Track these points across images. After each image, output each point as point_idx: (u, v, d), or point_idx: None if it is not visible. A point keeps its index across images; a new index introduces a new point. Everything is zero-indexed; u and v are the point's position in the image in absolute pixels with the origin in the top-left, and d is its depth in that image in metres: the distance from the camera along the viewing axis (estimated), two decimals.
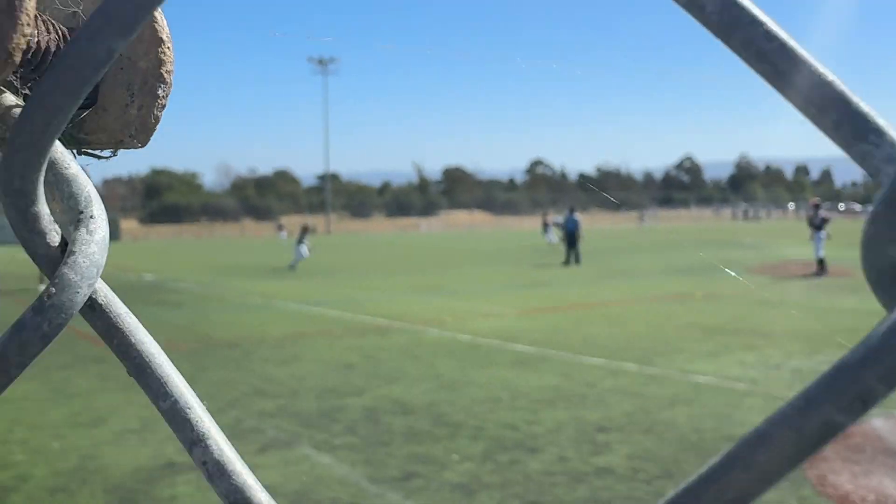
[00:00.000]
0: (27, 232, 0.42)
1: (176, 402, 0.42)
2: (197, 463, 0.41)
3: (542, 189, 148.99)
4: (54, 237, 0.42)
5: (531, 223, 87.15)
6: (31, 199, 0.40)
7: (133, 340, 0.43)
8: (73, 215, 0.43)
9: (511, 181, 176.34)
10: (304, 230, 28.28)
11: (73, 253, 0.41)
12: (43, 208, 0.41)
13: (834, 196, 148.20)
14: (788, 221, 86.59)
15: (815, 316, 13.26)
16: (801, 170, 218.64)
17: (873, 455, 5.95)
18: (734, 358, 9.80)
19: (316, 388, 8.47)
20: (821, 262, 20.52)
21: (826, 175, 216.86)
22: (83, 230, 0.42)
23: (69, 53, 0.36)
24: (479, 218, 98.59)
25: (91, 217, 0.43)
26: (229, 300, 17.29)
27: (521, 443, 6.40)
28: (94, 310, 0.43)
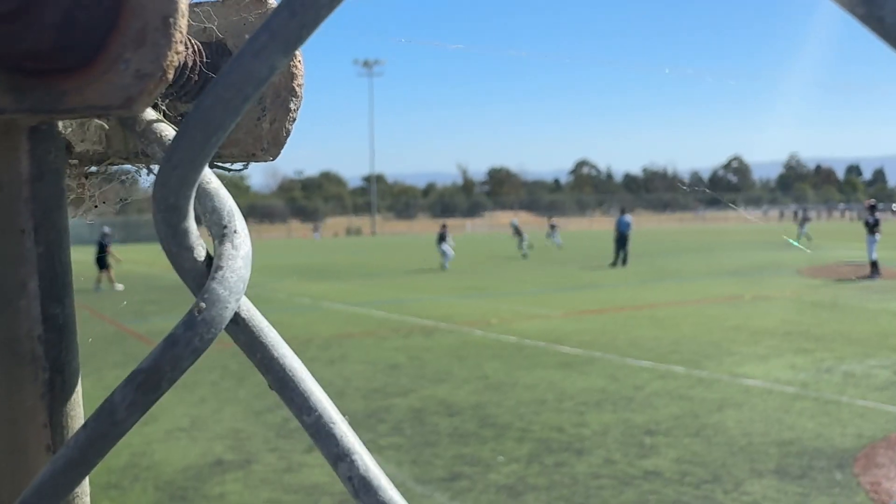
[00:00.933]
0: (176, 247, 0.42)
1: (320, 416, 0.42)
2: (342, 478, 0.41)
3: (587, 189, 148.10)
4: (200, 252, 0.42)
5: (577, 224, 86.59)
6: (183, 215, 0.41)
7: (276, 355, 0.43)
8: (216, 230, 0.43)
9: (556, 182, 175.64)
10: (444, 229, 27.76)
11: (220, 268, 0.41)
12: (192, 224, 0.42)
13: (887, 196, 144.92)
14: (840, 223, 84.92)
15: (867, 319, 12.98)
16: (853, 169, 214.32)
17: None
18: (784, 361, 9.64)
19: (362, 389, 8.51)
20: (874, 264, 20.08)
21: (879, 174, 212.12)
22: (228, 245, 0.42)
23: (232, 70, 0.35)
24: (523, 219, 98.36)
25: (235, 232, 0.43)
26: (277, 301, 17.46)
27: (567, 445, 6.37)
28: (237, 324, 0.43)
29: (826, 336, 11.34)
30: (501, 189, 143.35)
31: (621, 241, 26.24)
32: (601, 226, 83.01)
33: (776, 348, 10.46)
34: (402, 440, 6.55)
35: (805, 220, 40.74)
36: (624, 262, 25.95)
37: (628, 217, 27.22)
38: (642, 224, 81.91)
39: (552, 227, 41.99)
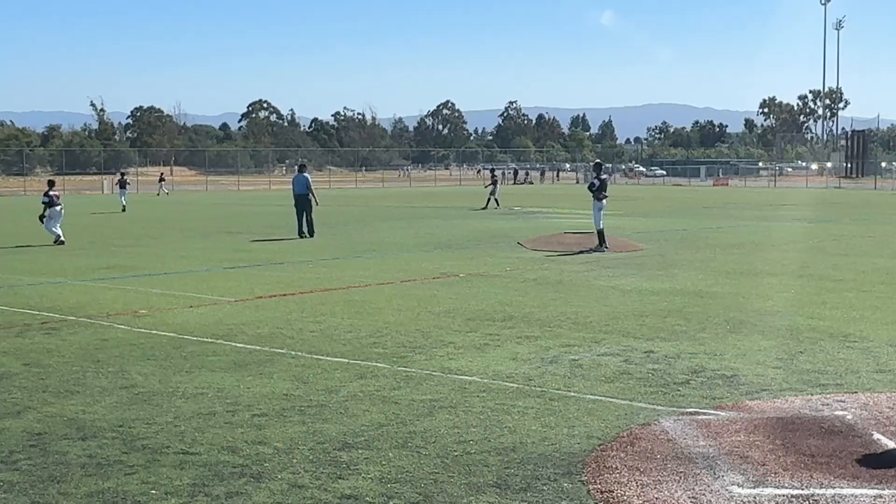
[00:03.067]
0: None
1: None
2: None
3: (265, 139, 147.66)
4: None
5: (253, 182, 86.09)
6: None
7: None
8: None
9: (224, 128, 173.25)
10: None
11: None
12: None
13: (616, 154, 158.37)
14: (565, 184, 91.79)
15: (595, 298, 14.16)
16: (579, 121, 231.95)
17: (663, 462, 6.46)
18: (505, 351, 10.25)
19: None
20: (601, 234, 21.93)
21: (608, 128, 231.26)
22: None
23: None
24: (182, 177, 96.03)
25: None
26: None
27: (242, 469, 6.32)
28: None
29: (551, 320, 12.22)
30: (151, 136, 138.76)
31: (302, 205, 26.55)
32: (285, 186, 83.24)
33: (495, 336, 11.10)
34: (15, 476, 6.16)
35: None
36: (311, 232, 26.23)
37: (307, 175, 27.59)
38: (334, 184, 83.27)
39: (161, 179, 42.18)
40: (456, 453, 6.67)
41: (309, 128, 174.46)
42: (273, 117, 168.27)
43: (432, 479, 6.14)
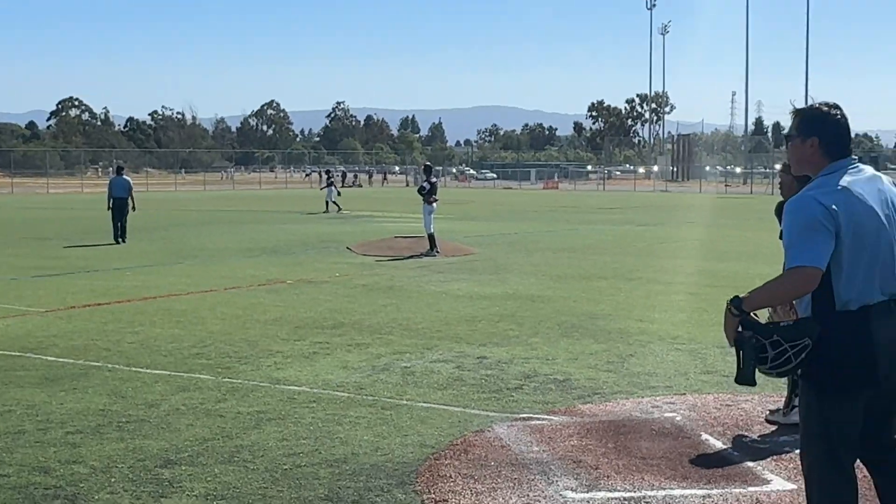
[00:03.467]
0: None
1: None
2: None
3: (77, 139, 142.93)
4: None
5: (64, 185, 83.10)
6: None
7: None
8: None
9: (31, 126, 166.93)
10: None
11: None
12: None
13: (446, 157, 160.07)
14: (396, 188, 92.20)
15: (426, 304, 14.28)
16: (409, 123, 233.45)
17: (497, 468, 6.57)
18: (335, 360, 10.23)
19: None
20: (432, 238, 22.13)
21: (437, 129, 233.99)
22: None
23: None
24: None
25: None
26: None
27: (56, 490, 6.11)
28: None
29: (383, 327, 12.26)
30: None
31: (119, 209, 26.03)
32: (98, 189, 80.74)
33: (325, 345, 11.06)
34: None
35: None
36: (123, 237, 25.66)
37: (126, 178, 27.08)
38: (152, 187, 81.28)
39: None
40: (285, 467, 6.62)
41: (124, 127, 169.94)
42: (85, 116, 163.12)
43: (260, 494, 6.08)
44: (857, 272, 4.13)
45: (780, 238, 7.79)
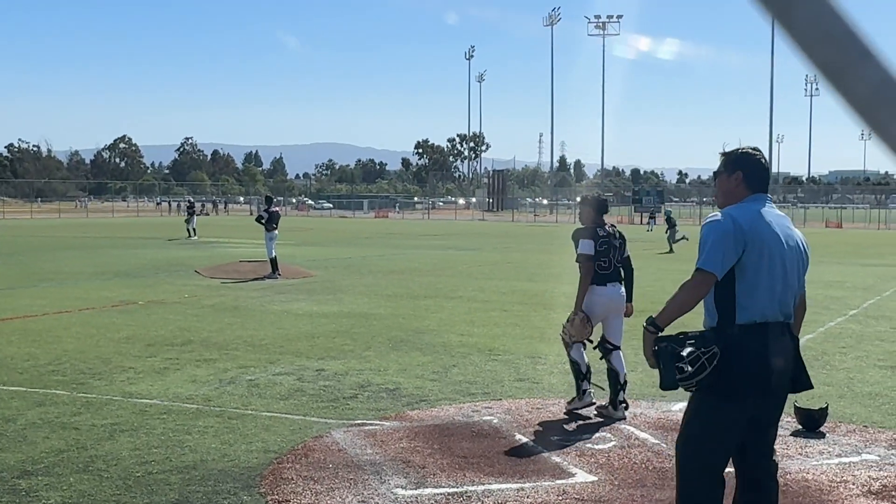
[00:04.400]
0: None
1: None
2: None
3: None
4: None
5: None
6: None
7: None
8: None
9: None
10: None
11: None
12: None
13: (287, 189, 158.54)
14: (239, 216, 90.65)
15: (270, 322, 14.09)
16: (252, 157, 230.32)
17: (335, 470, 6.53)
18: (184, 374, 9.97)
19: None
20: (274, 262, 21.87)
21: (279, 163, 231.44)
22: None
23: None
24: None
25: None
26: None
27: None
28: None
29: (229, 343, 12.02)
30: None
31: None
32: None
33: (175, 360, 10.77)
34: None
35: (192, 212, 44.34)
36: None
37: None
38: (8, 215, 77.52)
39: None
40: (138, 474, 6.41)
41: None
42: None
43: (115, 500, 5.87)
44: (759, 289, 4.23)
45: (576, 261, 8.35)
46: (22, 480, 6.25)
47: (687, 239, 35.78)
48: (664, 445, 7.26)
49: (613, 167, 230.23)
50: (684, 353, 4.19)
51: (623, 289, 8.46)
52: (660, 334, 4.30)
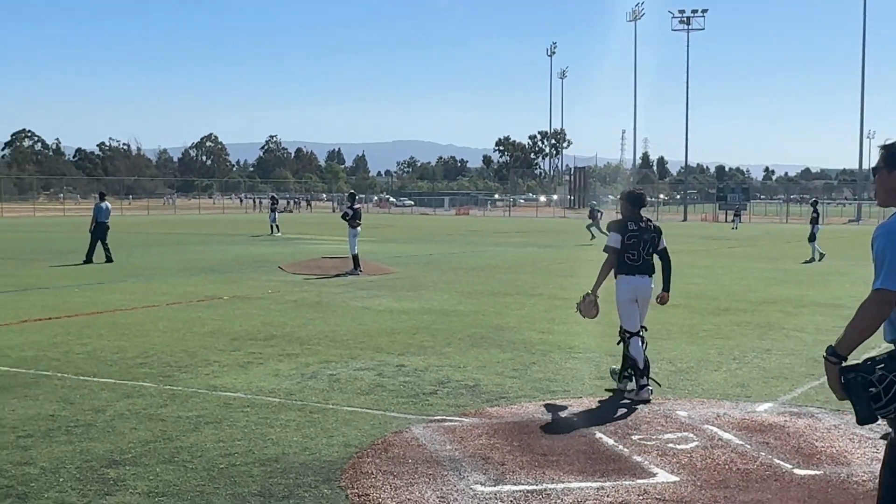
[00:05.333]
0: None
1: None
2: None
3: (30, 168, 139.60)
4: None
5: (18, 210, 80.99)
6: None
7: None
8: None
9: None
10: None
11: None
12: None
13: (368, 186, 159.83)
14: (322, 213, 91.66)
15: (351, 318, 14.21)
16: (335, 155, 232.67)
17: (415, 465, 6.55)
18: (267, 368, 10.11)
19: None
20: (356, 258, 22.05)
21: (361, 161, 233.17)
22: None
23: None
24: None
25: None
26: None
27: (8, 490, 5.93)
28: None
29: (311, 338, 12.16)
30: None
31: (102, 232, 25.58)
32: (50, 213, 78.84)
33: (258, 354, 10.93)
34: None
35: (274, 208, 45.18)
36: (108, 257, 25.13)
37: (107, 203, 26.72)
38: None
39: None
40: (221, 466, 6.52)
41: (74, 157, 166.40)
42: (38, 146, 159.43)
43: (198, 491, 5.97)
44: None
45: (604, 250, 8.83)
46: (110, 470, 6.40)
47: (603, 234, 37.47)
48: (748, 447, 7.12)
49: (697, 164, 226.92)
50: (875, 379, 3.75)
51: (651, 280, 9.02)
52: (844, 364, 3.83)
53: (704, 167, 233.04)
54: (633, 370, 8.81)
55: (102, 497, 5.82)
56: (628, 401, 8.68)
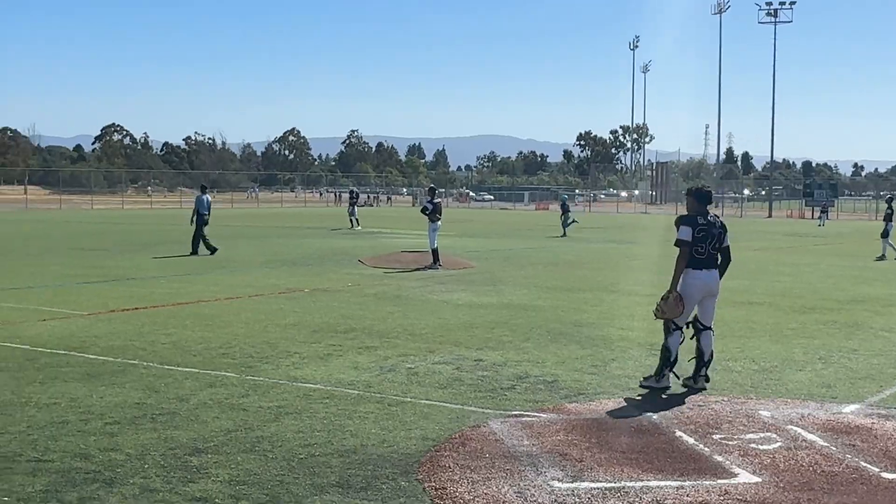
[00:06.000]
0: None
1: None
2: None
3: (119, 161, 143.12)
4: None
5: (108, 202, 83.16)
6: None
7: None
8: None
9: (78, 149, 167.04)
10: None
11: None
12: None
13: (448, 181, 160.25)
14: (402, 207, 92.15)
15: (430, 311, 14.26)
16: (415, 150, 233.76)
17: (492, 460, 6.54)
18: (346, 361, 10.21)
19: None
20: (434, 252, 22.12)
21: (440, 155, 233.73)
22: None
23: None
24: (36, 195, 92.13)
25: None
26: None
27: (95, 475, 6.09)
28: None
29: (390, 331, 12.24)
30: (4, 157, 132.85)
31: (200, 223, 26.02)
32: (137, 206, 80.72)
33: (338, 347, 11.05)
34: None
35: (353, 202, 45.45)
36: (210, 249, 25.59)
37: (208, 196, 27.29)
38: (185, 204, 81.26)
39: None
40: (301, 456, 6.60)
41: (161, 151, 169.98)
42: (126, 140, 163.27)
43: (278, 480, 6.06)
44: None
45: (675, 244, 8.66)
46: (193, 458, 6.53)
47: (577, 221, 42.07)
48: (834, 448, 6.96)
49: (784, 159, 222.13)
50: None
51: (718, 274, 9.13)
52: None
53: (791, 162, 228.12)
54: (662, 360, 9.04)
55: (185, 484, 5.95)
56: (699, 396, 8.56)
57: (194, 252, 25.38)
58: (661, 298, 9.13)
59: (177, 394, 8.51)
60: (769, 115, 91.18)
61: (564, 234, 38.80)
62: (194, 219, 26.33)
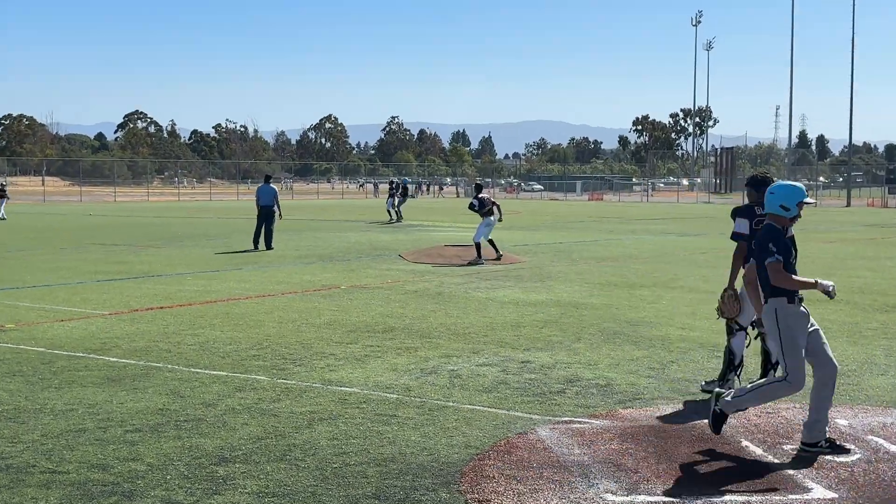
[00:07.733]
0: None
1: None
2: None
3: (144, 150, 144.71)
4: None
5: (132, 194, 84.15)
6: None
7: None
8: None
9: (100, 138, 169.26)
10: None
11: None
12: None
13: (495, 170, 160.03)
14: (447, 199, 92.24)
15: (474, 310, 14.22)
16: (460, 137, 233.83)
17: (540, 470, 6.48)
18: (385, 363, 10.20)
19: None
20: (478, 247, 22.09)
21: (487, 143, 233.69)
22: None
23: None
24: (55, 187, 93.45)
25: None
26: None
27: (113, 487, 6.11)
28: None
29: (431, 331, 12.22)
30: (21, 146, 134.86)
31: (265, 216, 26.19)
32: (165, 197, 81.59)
33: (376, 348, 11.04)
34: None
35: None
36: (268, 245, 25.79)
37: (273, 186, 27.52)
38: (215, 196, 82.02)
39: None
40: (335, 465, 6.58)
41: (189, 139, 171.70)
42: (151, 128, 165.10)
43: (310, 492, 6.05)
44: None
45: (731, 238, 8.63)
46: (220, 467, 6.54)
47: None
48: None
49: (864, 143, 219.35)
50: None
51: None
52: None
53: (872, 146, 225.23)
54: (725, 363, 8.98)
55: (211, 496, 5.95)
56: (769, 403, 8.42)
57: (255, 246, 25.68)
58: (721, 296, 9.04)
59: (203, 399, 8.54)
60: (847, 95, 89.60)
61: (400, 219, 41.85)
62: (278, 212, 26.58)
